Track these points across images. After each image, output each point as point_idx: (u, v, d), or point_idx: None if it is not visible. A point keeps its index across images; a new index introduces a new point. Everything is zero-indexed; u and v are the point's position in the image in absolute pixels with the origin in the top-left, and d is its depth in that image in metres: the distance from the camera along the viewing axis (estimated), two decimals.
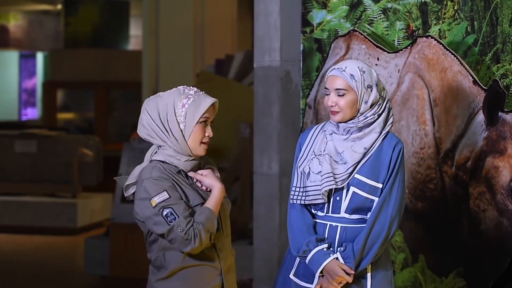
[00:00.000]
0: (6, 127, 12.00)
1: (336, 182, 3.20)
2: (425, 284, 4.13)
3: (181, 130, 3.02)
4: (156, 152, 3.08)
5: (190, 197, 3.02)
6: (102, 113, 13.41)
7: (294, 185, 3.30)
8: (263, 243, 4.78)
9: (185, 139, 3.02)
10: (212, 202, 3.03)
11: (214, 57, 9.53)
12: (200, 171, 3.10)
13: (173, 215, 2.93)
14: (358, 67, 3.22)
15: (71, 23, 14.25)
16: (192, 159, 3.07)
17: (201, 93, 3.07)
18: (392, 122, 3.27)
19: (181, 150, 3.03)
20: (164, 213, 2.93)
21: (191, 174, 3.08)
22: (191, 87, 3.10)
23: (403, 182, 3.27)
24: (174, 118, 3.02)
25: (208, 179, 3.07)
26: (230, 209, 3.19)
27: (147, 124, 3.06)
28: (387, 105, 3.27)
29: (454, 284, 4.01)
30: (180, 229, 2.91)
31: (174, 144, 3.03)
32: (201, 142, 3.04)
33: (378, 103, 3.24)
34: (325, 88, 3.27)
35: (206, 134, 3.05)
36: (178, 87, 3.10)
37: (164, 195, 2.94)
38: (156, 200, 2.94)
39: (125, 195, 3.12)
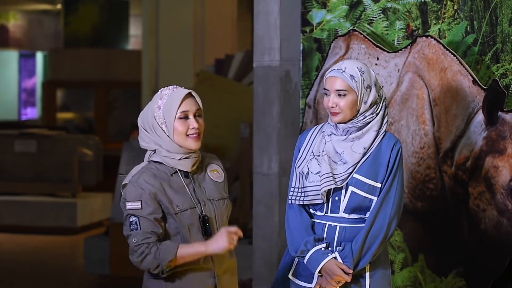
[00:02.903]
0: (6, 126, 11.99)
1: (336, 182, 3.21)
2: (424, 284, 4.13)
3: (164, 131, 3.04)
4: (155, 152, 3.10)
5: (176, 203, 3.02)
6: (102, 112, 13.41)
7: (293, 185, 3.31)
8: (263, 243, 4.78)
9: (170, 138, 3.04)
10: (189, 249, 2.98)
11: (214, 57, 9.52)
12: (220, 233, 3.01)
13: (136, 225, 2.98)
14: (358, 68, 3.22)
15: (71, 23, 14.25)
16: (188, 156, 3.07)
17: (177, 89, 3.08)
18: (387, 120, 3.28)
19: (172, 149, 3.05)
20: (130, 219, 3.00)
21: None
22: (170, 86, 3.11)
23: (402, 181, 3.27)
24: (155, 122, 3.05)
25: (216, 241, 2.98)
26: (230, 210, 3.19)
27: (144, 135, 3.10)
28: (384, 103, 3.28)
29: (454, 284, 4.01)
30: (134, 240, 2.97)
31: (165, 146, 3.05)
32: (187, 135, 3.04)
33: (377, 102, 3.24)
34: (325, 89, 3.27)
35: (191, 127, 3.04)
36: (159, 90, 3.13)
37: (137, 205, 2.99)
38: (128, 205, 3.00)
39: (122, 194, 3.14)
